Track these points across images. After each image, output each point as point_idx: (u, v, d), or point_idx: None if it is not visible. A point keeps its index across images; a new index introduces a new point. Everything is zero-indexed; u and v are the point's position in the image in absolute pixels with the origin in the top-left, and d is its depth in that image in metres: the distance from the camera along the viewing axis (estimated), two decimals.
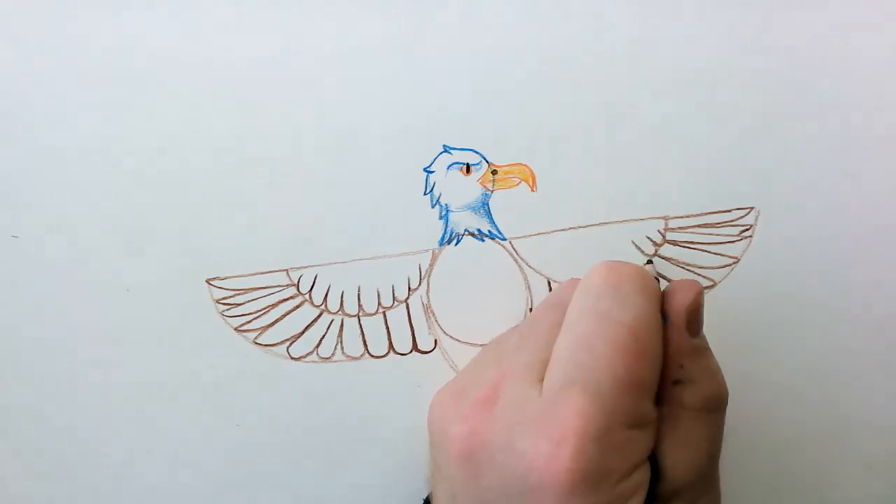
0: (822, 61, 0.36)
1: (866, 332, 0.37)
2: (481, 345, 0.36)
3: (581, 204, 0.36)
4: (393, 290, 0.37)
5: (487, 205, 0.37)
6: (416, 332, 0.37)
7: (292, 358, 0.37)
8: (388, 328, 0.37)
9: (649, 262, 0.36)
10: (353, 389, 0.37)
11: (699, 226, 0.37)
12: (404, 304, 0.37)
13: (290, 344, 0.37)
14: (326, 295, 0.37)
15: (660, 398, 0.29)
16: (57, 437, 0.37)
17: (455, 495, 0.30)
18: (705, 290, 0.35)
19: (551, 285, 0.37)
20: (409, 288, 0.37)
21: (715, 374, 0.31)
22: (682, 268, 0.37)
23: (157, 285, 0.36)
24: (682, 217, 0.37)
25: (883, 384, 0.37)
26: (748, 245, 0.37)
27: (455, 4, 0.36)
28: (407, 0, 0.36)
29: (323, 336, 0.37)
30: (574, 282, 0.32)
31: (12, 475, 0.37)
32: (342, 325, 0.37)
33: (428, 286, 0.37)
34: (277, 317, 0.37)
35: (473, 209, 0.36)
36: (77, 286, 0.36)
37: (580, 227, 0.36)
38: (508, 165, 0.36)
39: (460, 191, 0.36)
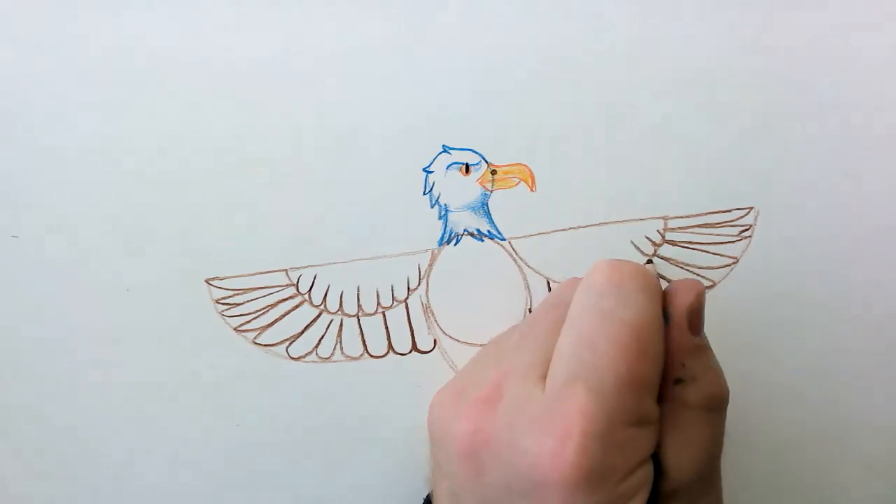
0: (822, 61, 0.36)
1: (866, 332, 0.37)
2: (481, 345, 0.36)
3: (581, 204, 0.36)
4: (392, 290, 0.37)
5: (487, 205, 0.37)
6: (415, 332, 0.37)
7: (292, 358, 0.37)
8: (387, 328, 0.37)
9: (649, 261, 0.36)
10: (352, 389, 0.37)
11: (699, 226, 0.37)
12: (404, 304, 0.37)
13: (290, 344, 0.37)
14: (326, 295, 0.37)
15: (661, 397, 0.29)
16: (57, 437, 0.37)
17: (457, 494, 0.30)
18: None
19: (550, 285, 0.37)
20: (409, 288, 0.37)
21: (716, 373, 0.31)
22: (682, 268, 0.37)
23: (157, 285, 0.36)
24: (681, 217, 0.37)
25: (883, 384, 0.37)
26: (748, 245, 0.37)
27: (455, 4, 0.36)
28: (407, 0, 0.36)
29: (322, 336, 0.37)
30: (574, 281, 0.32)
31: (12, 475, 0.37)
32: (341, 325, 0.37)
33: (427, 286, 0.37)
34: (277, 317, 0.37)
35: (473, 209, 0.37)
36: (77, 286, 0.36)
37: (580, 227, 0.36)
38: (508, 165, 0.36)
39: (460, 191, 0.36)
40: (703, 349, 0.31)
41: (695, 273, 0.37)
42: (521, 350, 0.30)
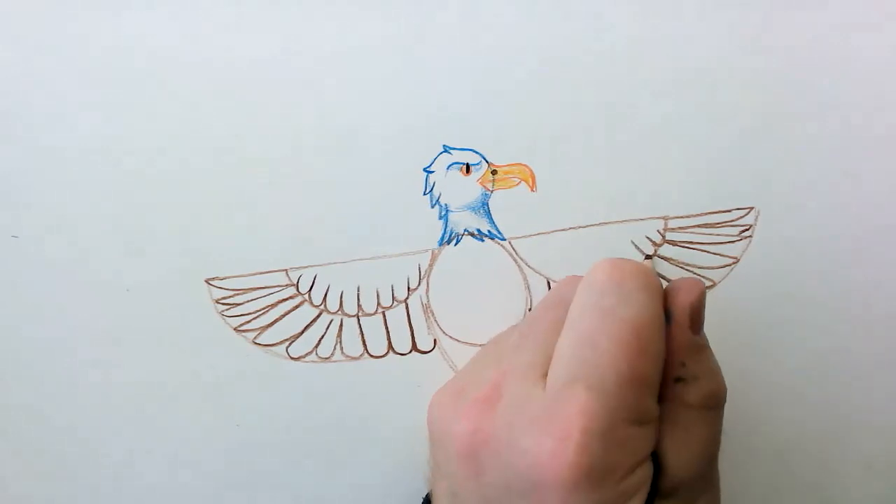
0: (822, 61, 0.36)
1: (866, 332, 0.37)
2: (481, 345, 0.36)
3: (581, 204, 0.36)
4: (392, 290, 0.37)
5: (487, 205, 0.37)
6: (415, 332, 0.37)
7: (292, 358, 0.37)
8: (387, 328, 0.37)
9: (648, 257, 0.36)
10: (352, 389, 0.37)
11: (699, 226, 0.37)
12: (404, 304, 0.37)
13: (290, 344, 0.37)
14: (326, 295, 0.37)
15: (661, 396, 0.29)
16: (57, 437, 0.37)
17: (456, 493, 0.30)
18: None
19: (551, 285, 0.37)
20: (409, 288, 0.37)
21: (715, 371, 0.31)
22: (682, 268, 0.37)
23: (157, 285, 0.36)
24: (681, 217, 0.37)
25: (883, 384, 0.37)
26: (748, 245, 0.37)
27: (455, 4, 0.36)
28: (407, 0, 0.36)
29: (322, 336, 0.37)
30: (573, 279, 0.32)
31: (12, 475, 0.37)
32: (341, 325, 0.37)
33: (427, 286, 0.37)
34: (277, 317, 0.37)
35: (473, 209, 0.37)
36: (77, 286, 0.36)
37: (580, 227, 0.36)
38: (508, 165, 0.36)
39: (460, 191, 0.36)
40: (703, 348, 0.31)
41: (695, 273, 0.37)
42: (521, 349, 0.30)
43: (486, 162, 0.36)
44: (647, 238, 0.37)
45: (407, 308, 0.37)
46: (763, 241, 0.37)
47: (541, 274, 0.37)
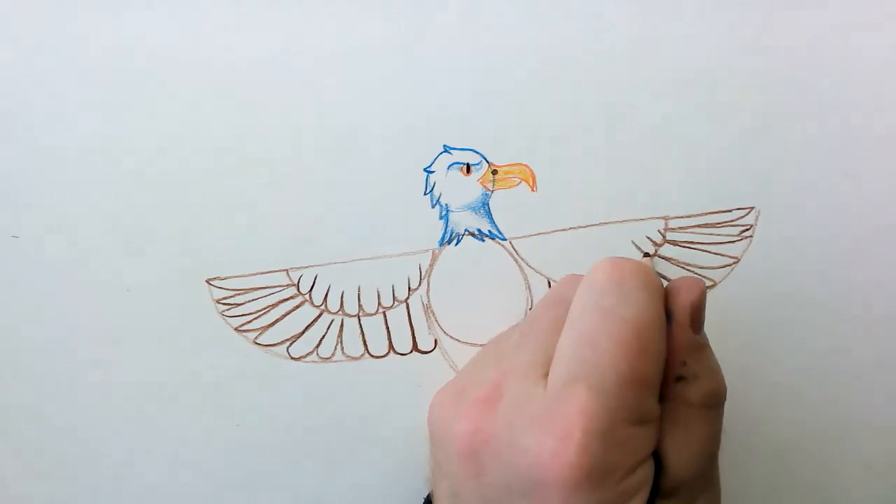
0: (822, 61, 0.36)
1: (866, 332, 0.37)
2: (481, 345, 0.36)
3: (581, 204, 0.36)
4: (393, 290, 0.37)
5: (487, 205, 0.37)
6: (416, 332, 0.37)
7: (292, 358, 0.37)
8: (388, 328, 0.37)
9: (646, 255, 0.36)
10: (353, 389, 0.37)
11: (699, 226, 0.37)
12: (404, 304, 0.37)
13: (290, 344, 0.37)
14: (326, 295, 0.37)
15: (662, 395, 0.29)
16: (57, 437, 0.37)
17: (457, 493, 0.30)
18: None
19: (551, 285, 0.37)
20: (409, 288, 0.37)
21: (715, 370, 0.31)
22: (682, 268, 0.37)
23: (157, 285, 0.36)
24: (682, 217, 0.37)
25: (883, 384, 0.37)
26: (748, 245, 0.37)
27: (455, 4, 0.36)
28: (407, 0, 0.36)
29: (323, 336, 0.37)
30: (573, 278, 0.32)
31: (12, 475, 0.37)
32: (342, 325, 0.37)
33: (428, 286, 0.37)
34: (277, 317, 0.37)
35: (473, 209, 0.37)
36: (77, 286, 0.36)
37: (580, 227, 0.37)
38: (508, 165, 0.36)
39: (460, 191, 0.36)
40: (704, 347, 0.31)
41: (695, 273, 0.37)
42: (521, 349, 0.30)
43: (487, 162, 0.36)
44: (648, 238, 0.37)
45: (407, 308, 0.37)
46: (763, 241, 0.37)
47: (541, 274, 0.37)
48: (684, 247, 0.37)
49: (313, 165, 0.36)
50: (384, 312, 0.37)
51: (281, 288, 0.37)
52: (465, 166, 0.36)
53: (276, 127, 0.36)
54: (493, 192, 0.36)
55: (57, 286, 0.36)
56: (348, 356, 0.37)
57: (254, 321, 0.37)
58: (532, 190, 0.36)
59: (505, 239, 0.37)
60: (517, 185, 0.36)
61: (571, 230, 0.37)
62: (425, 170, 0.36)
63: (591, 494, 0.27)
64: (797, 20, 0.36)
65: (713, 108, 0.36)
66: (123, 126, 0.36)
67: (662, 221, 0.37)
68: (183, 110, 0.36)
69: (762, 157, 0.36)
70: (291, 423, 0.37)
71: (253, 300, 0.36)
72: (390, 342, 0.37)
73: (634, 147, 0.36)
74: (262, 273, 0.36)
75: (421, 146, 0.36)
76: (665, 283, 0.31)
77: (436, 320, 0.37)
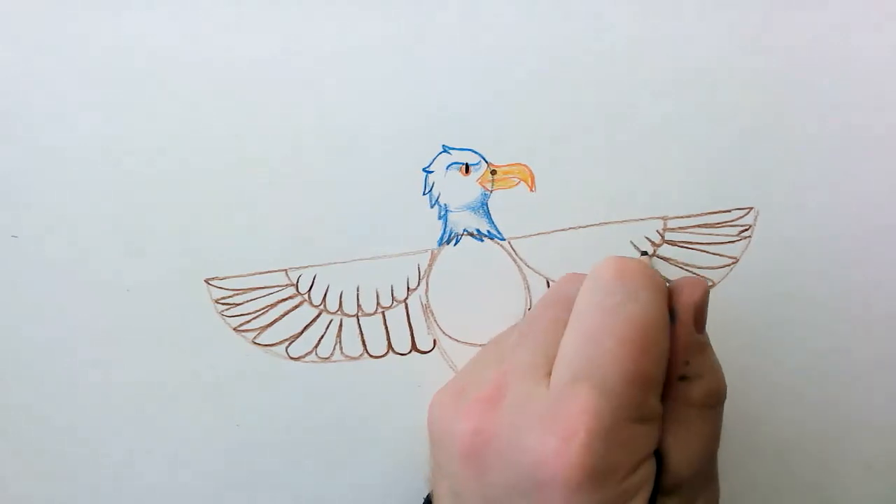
0: (822, 61, 0.36)
1: (866, 332, 0.37)
2: (480, 345, 0.36)
3: (580, 204, 0.36)
4: (392, 290, 0.37)
5: (486, 205, 0.37)
6: (415, 332, 0.37)
7: (291, 358, 0.37)
8: (387, 328, 0.37)
9: (644, 254, 0.36)
10: (352, 389, 0.37)
11: (698, 226, 0.37)
12: (403, 304, 0.37)
13: (290, 344, 0.37)
14: (325, 295, 0.37)
15: (664, 394, 0.29)
16: (57, 437, 0.37)
17: (458, 493, 0.30)
18: None
19: (550, 285, 0.37)
20: (408, 288, 0.37)
21: (717, 370, 0.31)
22: (682, 268, 0.37)
23: (157, 285, 0.36)
24: (681, 217, 0.37)
25: (883, 384, 0.37)
26: (747, 245, 0.37)
27: (455, 4, 0.36)
28: (407, 0, 0.36)
29: (322, 336, 0.37)
30: (573, 276, 0.32)
31: (12, 475, 0.37)
32: (341, 325, 0.37)
33: (427, 286, 0.37)
34: (276, 317, 0.37)
35: (473, 209, 0.37)
36: (77, 286, 0.36)
37: (579, 227, 0.36)
38: (508, 165, 0.36)
39: (459, 191, 0.36)
40: (706, 346, 0.31)
41: (695, 273, 0.37)
42: (522, 348, 0.30)
43: (486, 162, 0.36)
44: (647, 238, 0.37)
45: (406, 308, 0.37)
46: (763, 241, 0.37)
47: (540, 274, 0.37)
48: (683, 247, 0.37)
49: (313, 165, 0.36)
50: (383, 312, 0.37)
51: (280, 288, 0.37)
52: (464, 166, 0.36)
53: (276, 127, 0.36)
54: (492, 192, 0.36)
55: (57, 286, 0.36)
56: (347, 356, 0.37)
57: (253, 321, 0.37)
58: (531, 190, 0.36)
59: (504, 239, 0.37)
60: (516, 185, 0.36)
61: (570, 230, 0.36)
62: (424, 170, 0.36)
63: (594, 493, 0.27)
64: (797, 20, 0.36)
65: (713, 108, 0.36)
66: (123, 126, 0.36)
67: (662, 221, 0.36)
68: (183, 110, 0.36)
69: (762, 157, 0.36)
70: (291, 423, 0.37)
71: (252, 300, 0.36)
72: (389, 342, 0.37)
73: (634, 147, 0.36)
74: (262, 273, 0.36)
75: (420, 146, 0.36)
76: (666, 283, 0.31)
77: (435, 320, 0.37)
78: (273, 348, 0.37)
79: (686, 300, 0.30)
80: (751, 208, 0.36)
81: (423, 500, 0.34)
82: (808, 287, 0.37)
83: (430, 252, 0.37)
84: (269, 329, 0.37)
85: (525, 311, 0.37)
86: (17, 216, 0.36)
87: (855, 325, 0.37)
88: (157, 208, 0.36)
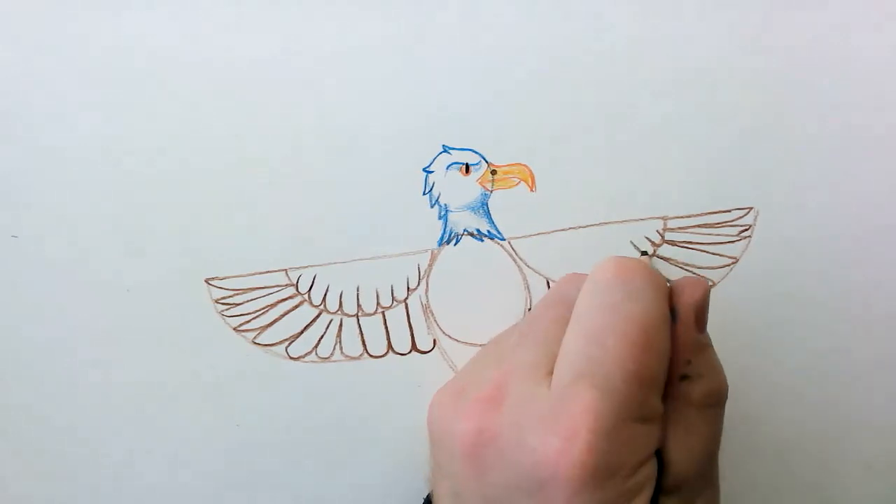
0: (822, 61, 0.36)
1: (866, 332, 0.37)
2: (480, 345, 0.36)
3: (580, 204, 0.36)
4: (392, 290, 0.37)
5: (487, 205, 0.37)
6: (415, 332, 0.37)
7: (291, 358, 0.37)
8: (387, 328, 0.37)
9: (644, 254, 0.36)
10: (352, 389, 0.37)
11: (698, 226, 0.37)
12: (403, 304, 0.37)
13: (290, 344, 0.37)
14: (325, 295, 0.37)
15: (666, 394, 0.29)
16: (57, 437, 0.37)
17: (459, 493, 0.30)
18: None
19: (550, 285, 0.37)
20: (408, 288, 0.37)
21: (718, 369, 0.31)
22: (682, 268, 0.37)
23: (157, 285, 0.36)
24: (681, 217, 0.37)
25: (883, 384, 0.37)
26: (747, 245, 0.37)
27: (455, 4, 0.36)
28: (407, 0, 0.36)
29: (322, 336, 0.37)
30: (574, 277, 0.32)
31: (12, 475, 0.37)
32: (341, 325, 0.37)
33: (427, 286, 0.37)
34: (276, 317, 0.37)
35: (473, 209, 0.37)
36: (77, 286, 0.36)
37: (579, 227, 0.36)
38: (508, 165, 0.36)
39: (459, 191, 0.36)
40: (707, 346, 0.31)
41: (694, 273, 0.37)
42: (523, 348, 0.31)
43: (486, 162, 0.36)
44: (647, 238, 0.37)
45: (406, 308, 0.37)
46: (763, 241, 0.37)
47: (540, 274, 0.37)
48: (683, 247, 0.37)
49: (313, 165, 0.36)
50: (383, 312, 0.37)
51: (280, 288, 0.37)
52: (465, 166, 0.36)
53: (276, 127, 0.36)
54: (492, 192, 0.36)
55: (57, 286, 0.36)
56: (347, 356, 0.37)
57: (253, 321, 0.37)
58: (531, 190, 0.36)
59: (504, 239, 0.37)
60: (516, 185, 0.36)
61: (570, 230, 0.36)
62: (424, 170, 0.36)
63: (597, 493, 0.27)
64: (797, 20, 0.36)
65: (713, 108, 0.36)
66: (123, 126, 0.36)
67: (662, 221, 0.36)
68: (183, 110, 0.36)
69: (762, 157, 0.36)
70: (291, 423, 0.37)
71: (252, 300, 0.36)
72: (389, 342, 0.37)
73: (634, 147, 0.36)
74: (262, 273, 0.36)
75: (420, 146, 0.36)
76: (667, 282, 0.31)
77: (435, 320, 0.37)
78: (273, 348, 0.37)
79: (687, 300, 0.30)
80: (751, 208, 0.36)
81: (423, 501, 0.34)
82: (808, 287, 0.37)
83: (430, 252, 0.37)
84: (270, 329, 0.37)
85: (525, 311, 0.37)
86: (17, 216, 0.36)
87: (855, 325, 0.37)
88: (157, 208, 0.36)
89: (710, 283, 0.37)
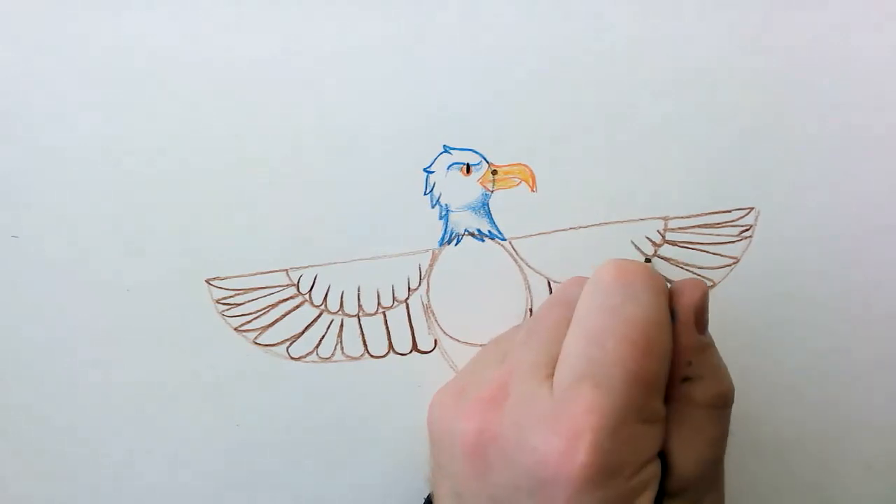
0: (822, 61, 0.36)
1: (866, 332, 0.37)
2: (481, 345, 0.36)
3: (581, 204, 0.36)
4: (393, 291, 0.37)
5: (487, 205, 0.37)
6: (415, 332, 0.37)
7: (292, 358, 0.37)
8: (387, 328, 0.37)
9: (647, 260, 0.36)
10: (353, 389, 0.37)
11: (699, 226, 0.37)
12: (404, 304, 0.37)
13: (290, 344, 0.37)
14: (326, 295, 0.37)
15: (668, 396, 0.29)
16: (57, 437, 0.37)
17: (460, 494, 0.30)
18: None
19: (551, 285, 0.37)
20: (409, 288, 0.37)
21: (722, 371, 0.31)
22: (682, 268, 0.37)
23: (157, 285, 0.36)
24: (681, 217, 0.37)
25: (883, 384, 0.37)
26: (748, 245, 0.37)
27: (455, 4, 0.36)
28: (407, 0, 0.36)
29: (323, 336, 0.37)
30: (578, 280, 0.32)
31: (12, 475, 0.37)
32: (342, 325, 0.37)
33: (428, 286, 0.37)
34: (277, 317, 0.37)
35: (473, 209, 0.36)
36: (77, 286, 0.36)
37: (580, 227, 0.36)
38: (508, 165, 0.36)
39: (460, 191, 0.36)
40: (709, 347, 0.31)
41: (695, 273, 0.37)
42: (526, 349, 0.31)
43: (487, 162, 0.36)
44: (648, 238, 0.37)
45: (407, 308, 0.37)
46: (763, 241, 0.37)
47: (541, 274, 0.37)
48: (684, 247, 0.37)
49: (313, 165, 0.36)
50: (384, 312, 0.37)
51: (281, 288, 0.37)
52: (465, 166, 0.36)
53: (276, 127, 0.36)
54: (492, 192, 0.36)
55: (57, 286, 0.36)
56: (348, 356, 0.37)
57: (253, 321, 0.37)
58: (532, 190, 0.36)
59: (505, 239, 0.37)
60: (517, 185, 0.36)
61: (571, 230, 0.36)
62: (425, 170, 0.36)
63: (598, 492, 0.27)
64: (797, 20, 0.36)
65: (713, 108, 0.36)
66: (123, 126, 0.36)
67: (662, 222, 0.37)
68: (183, 110, 0.36)
69: (762, 157, 0.36)
70: (291, 423, 0.37)
71: (253, 300, 0.36)
72: (390, 342, 0.37)
73: (634, 147, 0.36)
74: (262, 273, 0.36)
75: (421, 146, 0.36)
76: (668, 284, 0.31)
77: (435, 320, 0.37)
78: (274, 348, 0.37)
79: (686, 301, 0.30)
80: (751, 208, 0.36)
81: (423, 501, 0.34)
82: (808, 287, 0.37)
83: (430, 252, 0.37)
84: (270, 329, 0.37)
85: (526, 312, 0.37)
86: (17, 216, 0.36)
87: (855, 325, 0.37)
88: (157, 208, 0.36)
89: (711, 284, 0.37)
